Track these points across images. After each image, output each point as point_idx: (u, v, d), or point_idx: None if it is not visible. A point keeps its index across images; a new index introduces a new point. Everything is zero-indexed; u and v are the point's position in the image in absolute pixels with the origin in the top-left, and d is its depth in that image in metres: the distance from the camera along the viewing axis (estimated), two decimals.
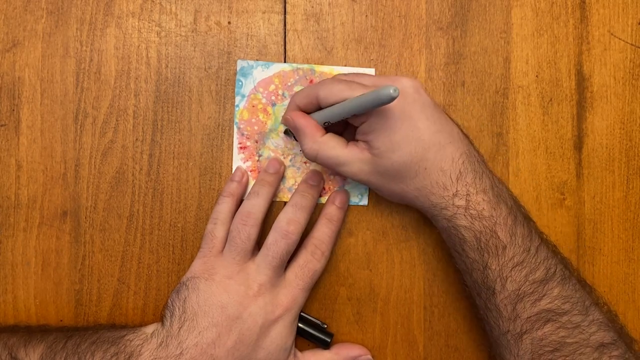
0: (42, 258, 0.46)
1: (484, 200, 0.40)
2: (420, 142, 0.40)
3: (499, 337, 0.41)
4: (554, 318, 0.39)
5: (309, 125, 0.42)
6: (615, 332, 0.41)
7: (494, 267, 0.40)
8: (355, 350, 0.46)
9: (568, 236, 0.48)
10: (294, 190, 0.47)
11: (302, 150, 0.43)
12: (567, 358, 0.39)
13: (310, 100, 0.42)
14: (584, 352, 0.39)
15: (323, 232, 0.45)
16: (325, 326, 0.46)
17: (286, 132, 0.47)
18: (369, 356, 0.46)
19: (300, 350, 0.45)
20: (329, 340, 0.45)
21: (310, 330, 0.45)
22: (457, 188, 0.40)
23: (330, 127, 0.43)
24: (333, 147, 0.41)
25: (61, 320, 0.46)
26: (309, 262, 0.44)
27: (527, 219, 0.43)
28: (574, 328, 0.39)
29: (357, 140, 0.42)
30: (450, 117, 0.44)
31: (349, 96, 0.40)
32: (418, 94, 0.41)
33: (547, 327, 0.39)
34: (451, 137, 0.41)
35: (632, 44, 0.48)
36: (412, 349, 0.47)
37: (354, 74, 0.44)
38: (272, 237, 0.43)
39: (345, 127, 0.45)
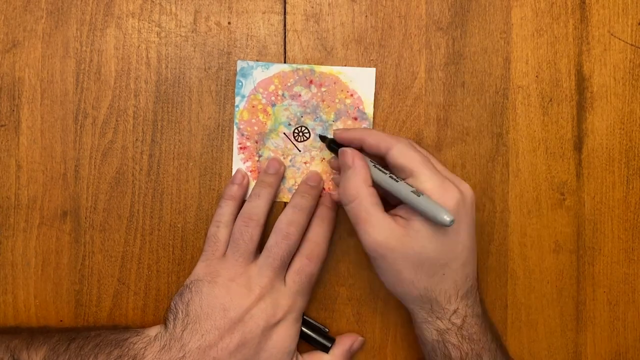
0: (42, 258, 0.46)
1: (476, 324, 0.41)
2: (454, 250, 0.40)
3: None
4: None
5: (365, 170, 0.41)
6: None
7: None
8: (347, 342, 0.46)
9: (568, 236, 0.48)
10: (294, 191, 0.47)
11: (344, 188, 0.41)
12: None
13: (380, 148, 0.41)
14: None
15: (317, 233, 0.45)
16: (327, 331, 0.46)
17: (323, 138, 0.46)
18: (361, 338, 0.47)
19: (301, 353, 0.45)
20: (329, 345, 0.45)
21: (312, 334, 0.45)
22: (458, 306, 0.41)
23: None
24: (373, 204, 0.40)
25: (61, 321, 0.46)
26: (305, 266, 0.44)
27: (504, 349, 0.44)
28: None
29: (394, 215, 0.41)
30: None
31: (419, 171, 0.39)
32: (472, 208, 0.41)
33: None
34: (472, 258, 0.42)
35: (632, 44, 0.48)
36: (412, 349, 0.47)
37: (427, 152, 0.44)
38: (273, 239, 0.43)
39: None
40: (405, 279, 0.40)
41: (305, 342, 0.46)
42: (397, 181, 0.40)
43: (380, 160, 0.42)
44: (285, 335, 0.42)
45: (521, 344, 0.47)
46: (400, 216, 0.41)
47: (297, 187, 0.47)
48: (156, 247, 0.47)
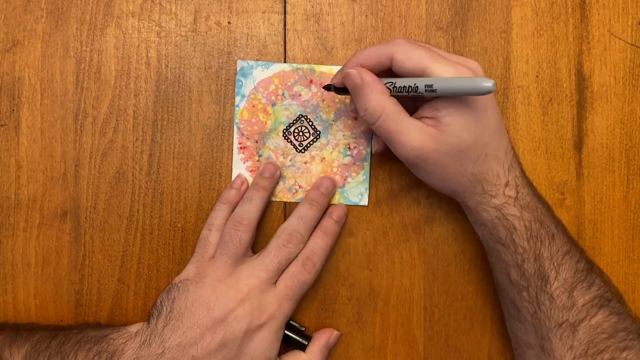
0: (42, 258, 0.46)
1: (529, 193, 0.41)
2: (488, 127, 0.40)
3: (549, 332, 0.40)
4: (605, 304, 0.40)
5: (378, 82, 0.39)
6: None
7: (546, 255, 0.40)
8: (323, 338, 0.45)
9: None
10: (294, 191, 0.47)
11: (365, 107, 0.39)
12: (621, 344, 0.39)
13: (382, 60, 0.40)
14: (633, 338, 0.39)
15: (317, 243, 0.44)
16: (304, 329, 0.46)
17: (327, 87, 0.44)
18: (337, 332, 0.46)
19: (278, 354, 0.44)
20: (306, 343, 0.45)
21: (289, 334, 0.45)
22: (508, 178, 0.41)
23: None
24: (399, 113, 0.39)
25: (61, 321, 0.46)
26: (299, 273, 0.43)
27: (559, 219, 0.43)
28: (619, 314, 0.40)
29: (418, 117, 0.40)
30: None
31: (430, 67, 0.38)
32: None
33: (600, 314, 0.40)
34: (504, 129, 0.42)
35: (632, 44, 0.48)
36: (412, 349, 0.47)
37: (430, 44, 0.42)
38: (274, 243, 0.43)
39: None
40: (452, 172, 0.40)
41: (282, 342, 0.45)
42: (416, 83, 0.38)
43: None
44: (267, 340, 0.42)
45: None
46: (427, 117, 0.40)
47: (297, 186, 0.47)
48: (156, 247, 0.47)
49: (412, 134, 0.39)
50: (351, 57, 0.41)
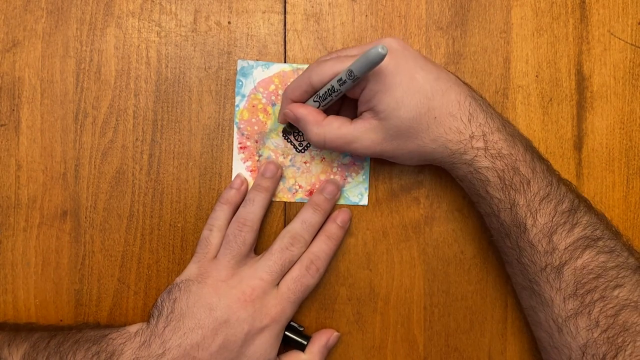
0: (42, 258, 0.46)
1: (500, 139, 0.40)
2: (423, 92, 0.40)
3: (535, 276, 0.40)
4: (591, 244, 0.39)
5: (310, 112, 0.42)
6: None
7: (521, 203, 0.40)
8: (323, 338, 0.45)
9: None
10: (294, 191, 0.47)
11: (309, 139, 0.42)
12: (611, 282, 0.38)
13: (305, 88, 0.42)
14: (626, 275, 0.39)
15: (321, 248, 0.44)
16: (302, 329, 0.46)
17: (284, 131, 0.47)
18: (337, 333, 0.46)
19: (277, 354, 0.44)
20: (305, 343, 0.45)
21: (288, 334, 0.45)
22: (472, 130, 0.40)
23: (328, 112, 0.43)
24: (339, 127, 0.41)
25: (61, 320, 0.46)
26: (302, 277, 0.43)
27: (542, 157, 0.43)
28: (610, 252, 0.39)
29: (360, 114, 0.42)
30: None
31: (341, 69, 0.40)
32: (405, 49, 0.41)
33: (586, 255, 0.39)
34: (450, 82, 0.41)
35: (632, 44, 0.48)
36: (412, 349, 0.47)
37: (337, 50, 0.45)
38: (276, 246, 0.43)
39: (338, 111, 0.45)
40: (413, 148, 0.41)
41: (282, 342, 0.45)
42: (331, 84, 0.41)
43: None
44: (267, 343, 0.42)
45: (521, 344, 0.47)
46: (364, 111, 0.41)
47: (297, 186, 0.47)
48: (156, 247, 0.47)
49: (359, 138, 0.41)
50: (282, 97, 0.44)
